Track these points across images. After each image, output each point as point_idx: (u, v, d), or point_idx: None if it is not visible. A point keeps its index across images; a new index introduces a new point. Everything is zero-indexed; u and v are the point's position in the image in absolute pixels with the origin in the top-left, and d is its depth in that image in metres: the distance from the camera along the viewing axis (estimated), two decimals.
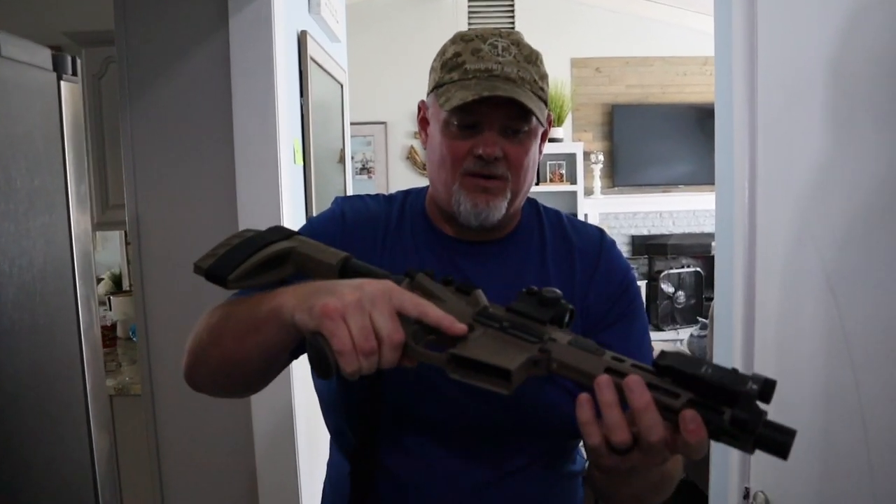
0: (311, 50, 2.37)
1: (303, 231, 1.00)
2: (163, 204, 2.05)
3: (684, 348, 3.91)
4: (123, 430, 2.52)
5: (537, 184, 5.76)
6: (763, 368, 1.47)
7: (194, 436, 2.16)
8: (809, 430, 1.44)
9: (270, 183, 2.00)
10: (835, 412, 1.34)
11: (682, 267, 5.90)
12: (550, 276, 1.03)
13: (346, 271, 0.82)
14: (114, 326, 3.03)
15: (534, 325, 0.73)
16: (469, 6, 5.88)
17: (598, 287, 1.03)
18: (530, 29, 5.88)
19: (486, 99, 0.91)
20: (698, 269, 5.87)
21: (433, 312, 0.72)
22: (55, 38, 3.20)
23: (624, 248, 6.12)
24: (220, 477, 2.19)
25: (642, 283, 5.89)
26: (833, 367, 1.34)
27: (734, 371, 0.63)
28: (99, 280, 3.48)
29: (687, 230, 6.09)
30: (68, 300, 1.11)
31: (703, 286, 5.85)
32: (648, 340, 1.07)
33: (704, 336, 3.37)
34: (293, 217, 2.14)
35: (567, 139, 5.85)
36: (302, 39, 2.31)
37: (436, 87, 0.98)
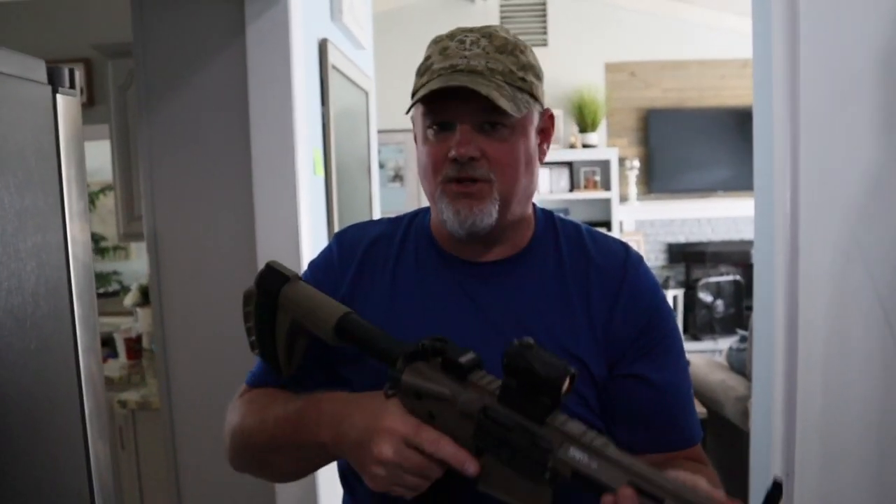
0: (333, 58, 2.33)
1: (305, 277, 0.99)
2: (180, 216, 2.02)
3: (723, 360, 3.76)
4: (146, 444, 2.51)
5: (571, 191, 5.66)
6: (808, 388, 1.38)
7: (214, 450, 2.12)
8: (859, 455, 1.33)
9: (288, 194, 1.96)
10: (888, 435, 1.24)
11: (721, 275, 5.73)
12: (572, 298, 0.94)
13: (342, 334, 0.85)
14: (139, 338, 3.01)
15: (534, 438, 0.68)
16: (501, 11, 5.81)
17: (623, 313, 0.93)
18: (563, 33, 5.80)
19: (451, 95, 0.85)
20: (738, 277, 5.70)
21: (447, 451, 0.72)
22: (84, 50, 3.23)
23: (660, 256, 5.98)
24: (239, 491, 2.14)
25: (679, 292, 5.75)
26: (885, 389, 1.23)
27: None
28: (127, 291, 3.48)
29: (726, 237, 5.92)
30: (64, 323, 1.06)
31: (742, 295, 5.68)
32: (684, 366, 0.97)
33: (744, 349, 3.24)
34: (313, 229, 2.09)
35: (601, 145, 5.74)
36: (323, 47, 2.26)
37: (412, 96, 0.93)
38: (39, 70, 1.03)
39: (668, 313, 0.98)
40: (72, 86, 1.09)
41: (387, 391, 0.78)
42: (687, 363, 0.98)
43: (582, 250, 0.98)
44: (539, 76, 0.94)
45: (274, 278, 0.92)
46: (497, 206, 0.89)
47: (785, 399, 1.42)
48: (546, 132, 0.97)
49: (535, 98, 0.93)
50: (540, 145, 0.97)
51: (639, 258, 0.99)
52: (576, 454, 0.66)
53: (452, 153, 0.87)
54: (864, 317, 1.18)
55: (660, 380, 0.91)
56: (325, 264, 1.03)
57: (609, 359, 0.92)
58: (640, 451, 0.80)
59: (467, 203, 0.88)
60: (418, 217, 1.04)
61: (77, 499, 1.06)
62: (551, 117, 0.98)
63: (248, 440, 0.95)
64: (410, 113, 0.96)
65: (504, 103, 0.85)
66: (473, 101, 0.86)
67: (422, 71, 0.92)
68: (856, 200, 1.21)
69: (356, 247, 1.01)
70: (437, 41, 0.93)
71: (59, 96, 1.05)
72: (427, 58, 0.93)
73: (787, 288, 1.43)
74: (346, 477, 1.00)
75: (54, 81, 1.05)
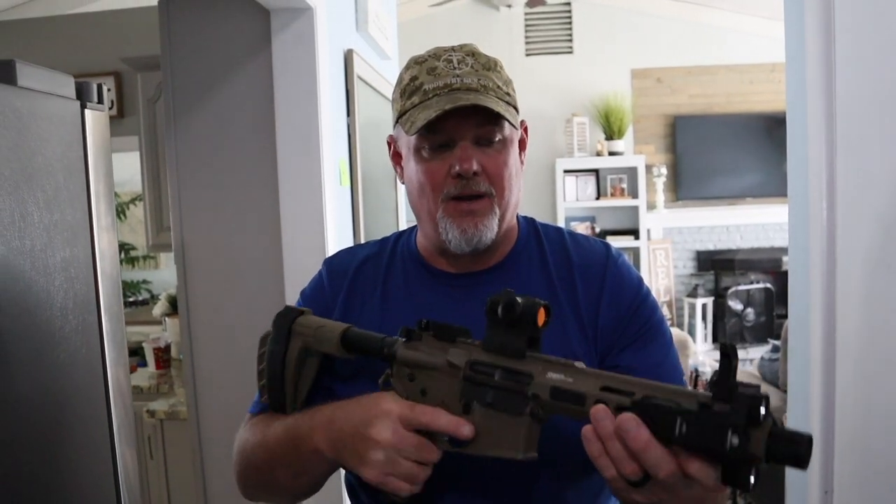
0: (359, 68, 2.33)
1: (299, 305, 1.03)
2: (208, 227, 2.03)
3: (754, 370, 3.69)
4: (174, 453, 2.52)
5: (597, 198, 5.62)
6: (846, 403, 1.34)
7: None
8: None
9: (315, 205, 1.96)
10: None
11: (751, 283, 5.64)
12: (560, 299, 0.95)
13: (346, 344, 0.88)
14: (168, 348, 3.04)
15: (517, 375, 0.73)
16: (526, 19, 5.80)
17: (608, 307, 0.95)
18: (588, 40, 5.77)
19: (451, 112, 0.87)
20: (768, 284, 5.61)
21: (442, 421, 0.75)
22: (114, 63, 3.28)
23: (689, 264, 5.91)
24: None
25: (709, 301, 5.66)
26: None
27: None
28: (156, 300, 3.52)
29: (755, 244, 5.83)
30: (92, 336, 1.06)
31: (773, 303, 5.58)
32: (673, 357, 0.97)
33: (777, 359, 3.17)
34: (339, 239, 2.09)
35: (628, 152, 5.69)
36: (348, 58, 2.26)
37: (399, 117, 0.94)
38: (68, 86, 1.03)
39: (654, 305, 0.98)
40: (100, 101, 1.10)
41: (381, 382, 0.83)
42: (677, 359, 0.98)
43: (564, 252, 1.00)
44: (514, 88, 0.97)
45: (289, 312, 0.97)
46: (497, 220, 0.92)
47: (823, 415, 1.38)
48: (523, 143, 1.00)
49: (517, 110, 0.96)
50: (520, 155, 0.99)
51: (619, 254, 1.01)
52: (553, 375, 0.70)
53: (456, 169, 0.89)
54: None
55: (646, 366, 0.90)
56: (314, 292, 1.06)
57: (599, 354, 0.93)
58: None
59: (472, 221, 0.91)
60: (403, 237, 1.06)
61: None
62: (526, 129, 1.01)
63: (251, 461, 0.95)
64: (393, 132, 0.99)
65: (510, 117, 0.90)
66: (472, 118, 0.88)
67: (410, 92, 0.92)
68: (895, 208, 1.17)
69: (346, 271, 1.04)
70: (419, 62, 0.93)
71: (87, 111, 1.06)
72: (413, 78, 0.92)
73: (823, 299, 1.39)
74: (353, 489, 1.00)
75: (83, 97, 1.06)
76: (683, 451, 0.60)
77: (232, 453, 1.01)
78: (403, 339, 0.83)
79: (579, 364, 0.71)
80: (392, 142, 1.01)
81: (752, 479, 0.57)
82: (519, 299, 0.73)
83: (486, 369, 0.75)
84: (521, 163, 0.99)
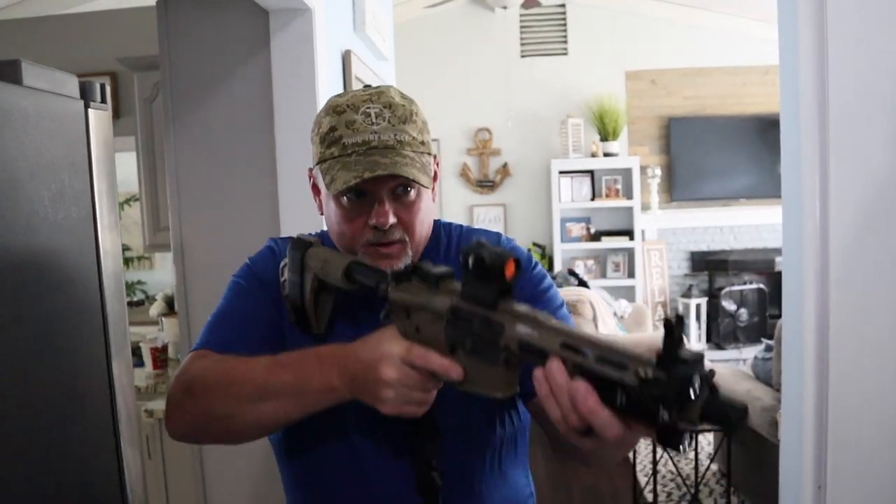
0: (356, 69, 2.34)
1: (241, 271, 1.10)
2: (206, 227, 2.04)
3: (748, 370, 3.72)
4: (172, 454, 2.52)
5: (592, 199, 5.64)
6: (838, 400, 1.36)
7: (240, 461, 2.14)
8: (894, 467, 1.31)
9: (313, 205, 1.96)
10: None
11: (745, 283, 5.67)
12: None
13: (350, 276, 0.95)
14: (165, 348, 3.04)
15: (490, 324, 0.77)
16: (521, 20, 5.82)
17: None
18: (583, 42, 5.79)
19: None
20: (761, 285, 5.64)
21: (435, 364, 0.81)
22: (110, 63, 3.28)
23: (683, 265, 5.93)
24: (265, 501, 2.15)
25: (702, 301, 5.70)
26: None
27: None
28: (152, 301, 3.51)
29: (749, 245, 5.86)
30: (96, 333, 1.07)
31: (766, 303, 5.62)
32: (565, 311, 1.09)
33: (770, 359, 3.20)
34: None
35: (623, 153, 5.72)
36: (346, 59, 2.28)
37: (319, 162, 0.99)
38: (72, 85, 1.04)
39: (541, 274, 1.10)
40: (103, 100, 1.11)
41: (382, 317, 0.89)
42: (567, 314, 1.10)
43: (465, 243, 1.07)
44: (428, 128, 1.04)
45: (300, 243, 1.03)
46: (409, 256, 1.01)
47: (816, 413, 1.40)
48: (435, 175, 1.05)
49: (431, 153, 1.03)
50: (432, 189, 1.05)
51: (508, 239, 1.12)
52: (521, 328, 0.74)
53: (373, 222, 0.96)
54: None
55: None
56: (269, 260, 1.10)
57: None
58: None
59: (388, 263, 0.98)
60: (327, 242, 1.09)
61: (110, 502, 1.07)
62: (438, 162, 1.08)
63: (215, 394, 0.93)
64: (311, 168, 1.04)
65: (424, 179, 0.96)
66: (389, 179, 0.95)
67: (329, 141, 0.97)
68: (888, 209, 1.19)
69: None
70: (337, 110, 0.98)
71: (90, 111, 1.07)
72: (332, 129, 0.97)
73: (817, 298, 1.41)
74: (282, 449, 1.07)
75: (86, 96, 1.07)
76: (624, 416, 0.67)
77: (169, 389, 0.98)
78: (394, 280, 0.89)
79: (542, 315, 0.75)
80: (311, 175, 1.07)
81: (683, 444, 0.62)
82: (486, 253, 0.77)
83: (466, 315, 0.80)
84: (435, 192, 1.06)
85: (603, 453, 0.92)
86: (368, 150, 0.95)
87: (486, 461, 1.05)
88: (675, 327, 0.61)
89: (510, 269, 0.77)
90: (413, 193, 0.99)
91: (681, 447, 0.62)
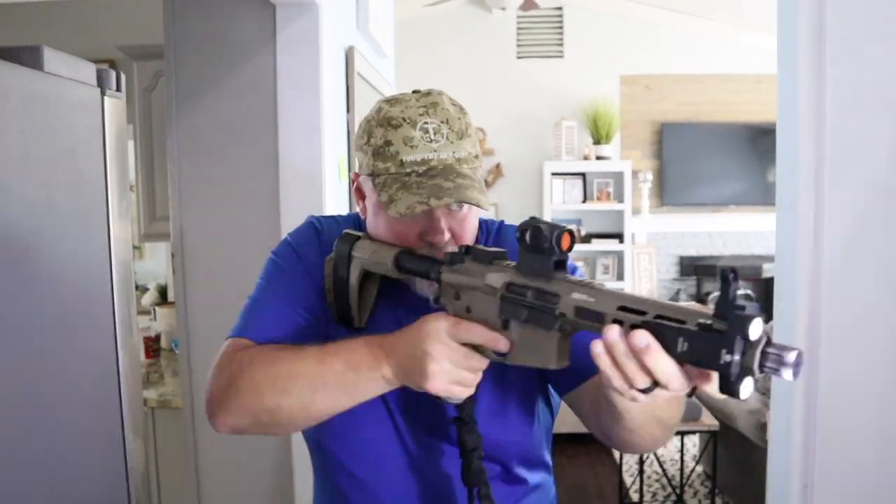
0: (359, 66, 2.36)
1: (282, 250, 1.08)
2: (207, 218, 2.05)
3: None
4: (164, 442, 2.53)
5: (583, 202, 5.68)
6: (827, 402, 1.39)
7: (234, 450, 2.15)
8: (881, 469, 1.34)
9: (314, 199, 1.98)
10: None
11: None
12: None
13: (400, 264, 0.96)
14: (158, 338, 3.04)
15: (546, 295, 0.80)
16: (518, 22, 5.84)
17: None
18: (579, 45, 5.82)
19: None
20: (749, 291, 5.69)
21: (481, 337, 0.83)
22: (109, 51, 3.27)
23: (672, 269, 5.98)
24: (258, 492, 2.17)
25: (691, 305, 5.73)
26: None
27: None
28: (144, 290, 3.51)
29: (737, 252, 5.91)
30: (106, 319, 1.09)
31: None
32: None
33: None
34: None
35: (615, 157, 5.75)
36: (349, 55, 2.29)
37: (372, 175, 0.97)
38: (89, 72, 1.06)
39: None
40: (118, 88, 1.12)
41: (432, 301, 0.92)
42: None
43: (501, 240, 1.09)
44: (479, 142, 1.05)
45: (348, 237, 1.03)
46: None
47: (804, 412, 1.43)
48: (486, 183, 1.06)
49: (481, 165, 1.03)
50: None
51: (510, 225, 1.11)
52: (577, 295, 0.77)
53: (430, 239, 0.96)
54: (888, 332, 1.19)
55: None
56: (310, 235, 1.09)
57: None
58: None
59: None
60: None
61: (114, 490, 1.08)
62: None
63: (273, 384, 0.92)
64: (361, 174, 1.02)
65: (483, 201, 0.93)
66: None
67: (384, 156, 0.95)
68: (882, 217, 1.22)
69: (333, 234, 1.06)
70: (392, 123, 0.95)
71: (106, 98, 1.08)
72: (388, 143, 0.95)
73: (809, 304, 1.44)
74: (318, 444, 1.07)
75: (102, 84, 1.08)
76: (686, 364, 0.68)
77: (210, 382, 0.97)
78: (448, 264, 0.91)
79: (598, 284, 0.77)
80: (356, 179, 1.05)
81: (743, 390, 0.63)
82: (544, 225, 0.80)
83: (520, 290, 0.82)
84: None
85: (647, 433, 0.91)
86: (429, 170, 0.94)
87: (521, 454, 1.06)
88: (731, 277, 0.64)
89: (566, 241, 0.80)
90: (466, 207, 0.98)
91: (740, 393, 0.63)
